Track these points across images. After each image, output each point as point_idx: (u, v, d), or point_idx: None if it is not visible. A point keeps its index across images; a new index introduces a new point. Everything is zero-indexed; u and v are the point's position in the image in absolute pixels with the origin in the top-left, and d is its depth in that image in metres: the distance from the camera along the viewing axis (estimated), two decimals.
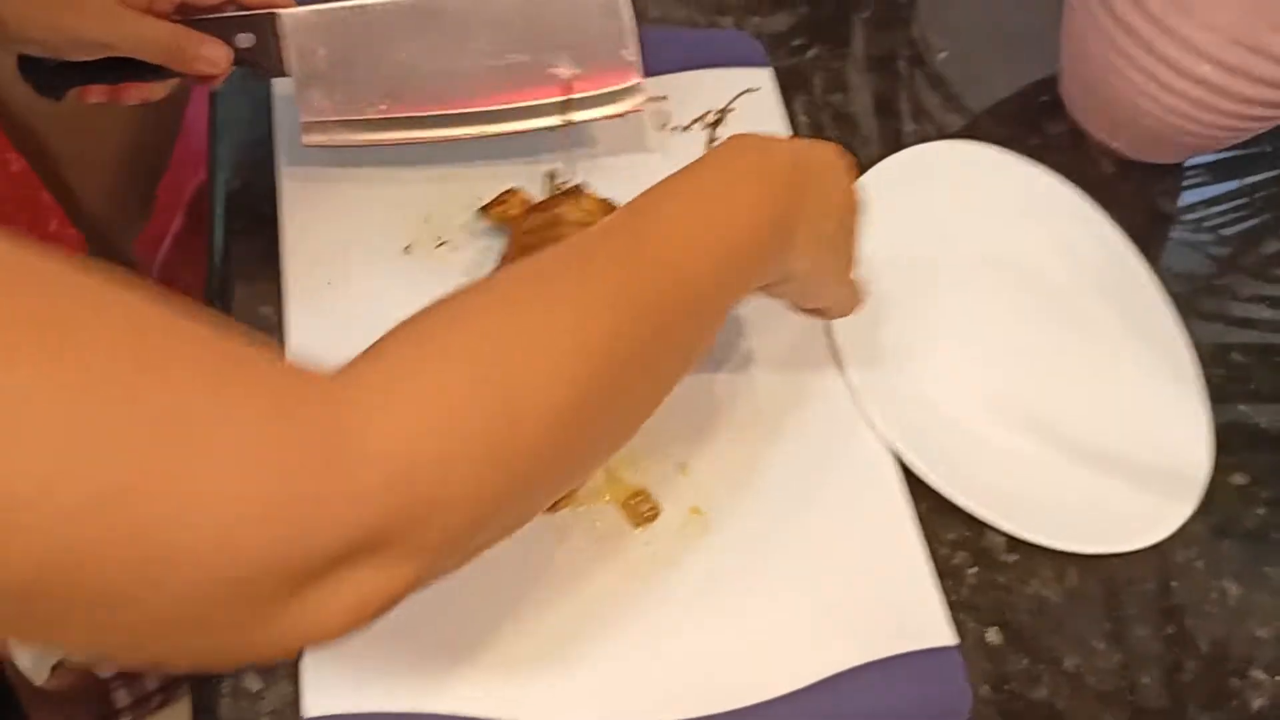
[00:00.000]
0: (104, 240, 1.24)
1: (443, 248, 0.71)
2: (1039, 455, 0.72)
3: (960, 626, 0.65)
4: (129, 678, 1.38)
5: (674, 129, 0.80)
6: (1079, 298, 0.80)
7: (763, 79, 0.84)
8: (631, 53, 0.71)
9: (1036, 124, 0.91)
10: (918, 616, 0.64)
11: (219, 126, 0.75)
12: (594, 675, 0.58)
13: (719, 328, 0.54)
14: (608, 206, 0.67)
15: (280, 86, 0.74)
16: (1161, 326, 0.79)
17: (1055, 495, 0.70)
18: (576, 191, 0.68)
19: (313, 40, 0.67)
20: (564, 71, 0.70)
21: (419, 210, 0.72)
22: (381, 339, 0.42)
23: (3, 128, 1.09)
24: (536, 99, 0.70)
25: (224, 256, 0.69)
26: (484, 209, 0.70)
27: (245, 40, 0.65)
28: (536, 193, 0.72)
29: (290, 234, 0.69)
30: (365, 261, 0.69)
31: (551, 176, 0.74)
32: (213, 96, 0.76)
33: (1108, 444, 0.74)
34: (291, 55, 0.67)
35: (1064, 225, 0.82)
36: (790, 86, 0.86)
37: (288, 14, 0.66)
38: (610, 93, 0.72)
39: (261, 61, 0.66)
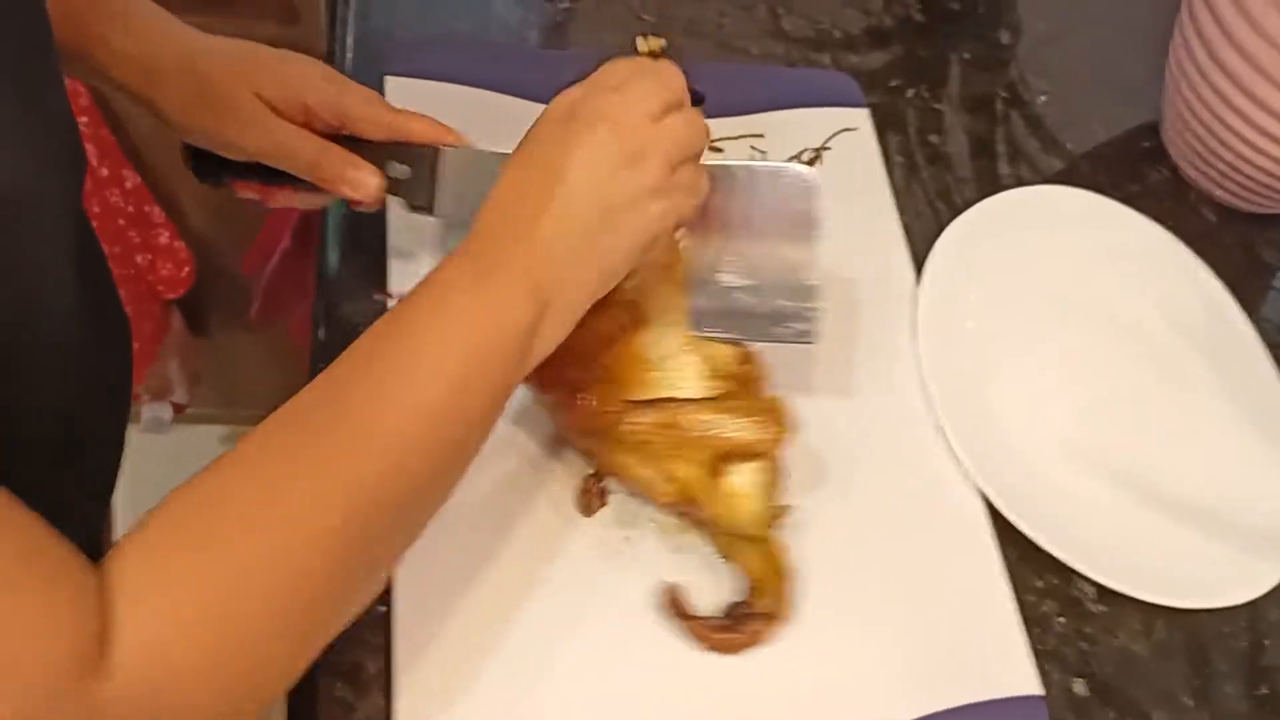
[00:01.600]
0: (209, 256, 1.29)
1: None
2: (1130, 506, 0.72)
3: (1045, 676, 0.64)
4: None
5: None
6: (1175, 348, 0.80)
7: (860, 119, 0.85)
8: (811, 289, 0.63)
9: (1136, 170, 0.90)
10: (1004, 664, 0.64)
11: None
12: (682, 702, 0.59)
13: (482, 442, 0.51)
14: None
15: (392, 92, 0.76)
16: (1260, 380, 0.78)
17: (1145, 547, 0.70)
18: None
19: (471, 186, 0.62)
20: (732, 280, 0.62)
21: None
22: (143, 531, 0.42)
23: (121, 146, 1.13)
24: None
25: (333, 279, 0.71)
26: None
27: (399, 171, 0.62)
28: None
29: (396, 260, 0.71)
30: None
31: None
32: None
33: (1201, 498, 0.73)
34: (446, 197, 0.63)
35: (1163, 274, 0.82)
36: (886, 126, 0.86)
37: (451, 153, 0.62)
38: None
39: (413, 196, 0.63)
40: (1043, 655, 0.65)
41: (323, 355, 0.68)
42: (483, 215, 0.52)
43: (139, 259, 1.18)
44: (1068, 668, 0.66)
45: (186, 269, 1.22)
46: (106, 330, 0.67)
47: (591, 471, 0.64)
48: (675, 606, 0.61)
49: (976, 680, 0.63)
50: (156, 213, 1.18)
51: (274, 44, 0.64)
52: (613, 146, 0.53)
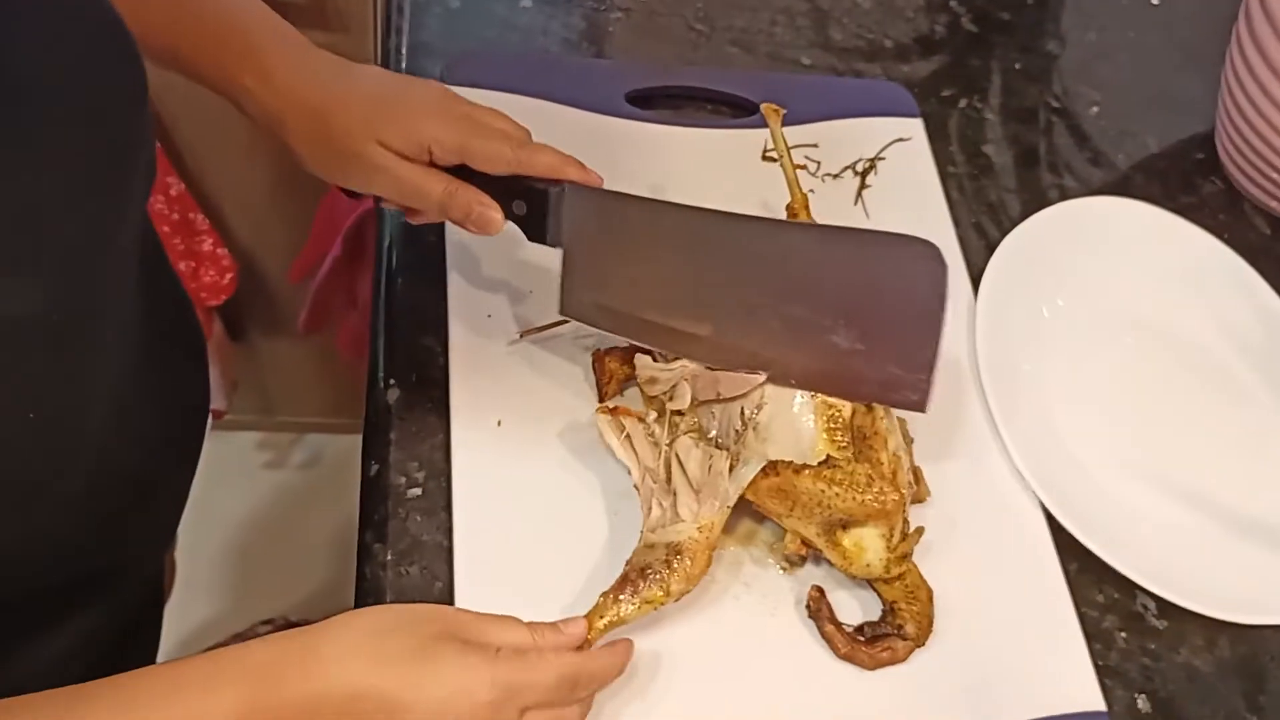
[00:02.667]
0: (251, 263, 1.30)
1: None
2: (1190, 521, 0.71)
3: (1108, 693, 0.64)
4: None
5: (825, 175, 0.81)
6: (1231, 361, 0.79)
7: (914, 129, 0.84)
8: (927, 360, 0.61)
9: (1189, 182, 0.90)
10: (1067, 680, 0.63)
11: None
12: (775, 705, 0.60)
13: None
14: None
15: None
16: None
17: (1207, 563, 0.69)
18: None
19: (584, 222, 0.62)
20: (843, 342, 0.61)
21: None
22: None
23: (167, 153, 1.14)
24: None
25: (390, 289, 0.71)
26: None
27: (519, 207, 0.62)
28: None
29: (454, 270, 0.71)
30: (522, 296, 0.71)
31: None
32: None
33: (1262, 513, 0.72)
34: (561, 231, 0.63)
35: (1218, 287, 0.81)
36: (938, 136, 0.86)
37: (570, 191, 0.62)
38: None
39: (531, 229, 0.63)
40: (1105, 671, 0.65)
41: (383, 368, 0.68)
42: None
43: (182, 265, 1.18)
44: (1130, 683, 0.65)
45: (229, 276, 1.22)
46: (182, 384, 0.68)
47: None
48: (820, 609, 0.61)
49: (1039, 695, 0.62)
50: (201, 220, 1.18)
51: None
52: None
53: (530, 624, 0.54)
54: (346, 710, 0.48)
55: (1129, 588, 0.68)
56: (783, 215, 0.71)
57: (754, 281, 0.61)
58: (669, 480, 0.61)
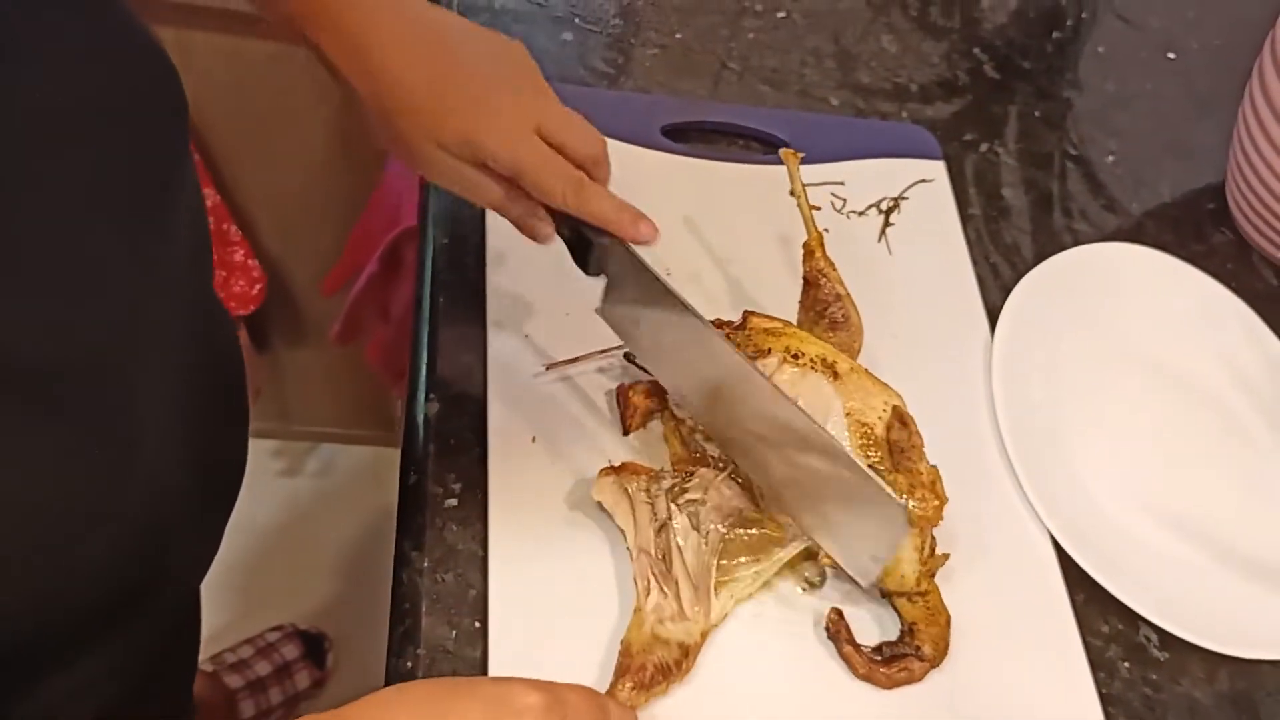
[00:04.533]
0: (278, 274, 1.33)
1: None
2: (1194, 558, 0.74)
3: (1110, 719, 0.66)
4: (254, 687, 1.45)
5: (850, 213, 0.84)
6: (1238, 406, 0.82)
7: (936, 171, 0.87)
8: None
9: (1200, 230, 0.93)
10: (1072, 705, 0.66)
11: (432, 185, 0.80)
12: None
13: None
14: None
15: None
16: None
17: (1209, 598, 0.72)
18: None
19: (627, 284, 0.64)
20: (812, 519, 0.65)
21: None
22: None
23: (204, 165, 1.17)
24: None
25: (433, 306, 0.74)
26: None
27: (565, 231, 0.64)
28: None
29: (494, 289, 0.74)
30: (560, 317, 0.73)
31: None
32: None
33: (1263, 554, 0.75)
34: (604, 273, 0.65)
35: (1228, 336, 0.84)
36: (958, 177, 0.89)
37: (616, 249, 0.63)
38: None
39: (576, 256, 0.65)
40: (1108, 699, 0.67)
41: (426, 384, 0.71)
42: (368, 714, 0.50)
43: (215, 275, 1.22)
44: (1132, 712, 0.68)
45: (258, 286, 1.25)
46: (232, 408, 0.70)
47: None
48: (838, 631, 0.63)
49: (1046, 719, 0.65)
50: (233, 230, 1.21)
51: None
52: None
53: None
54: None
55: (1133, 620, 0.70)
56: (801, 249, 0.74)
57: (747, 431, 0.64)
58: (669, 566, 0.63)
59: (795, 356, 0.65)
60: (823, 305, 0.71)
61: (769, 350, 0.66)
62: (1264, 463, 0.80)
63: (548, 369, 0.71)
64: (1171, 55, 1.04)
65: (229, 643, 1.50)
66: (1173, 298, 0.85)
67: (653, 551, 0.63)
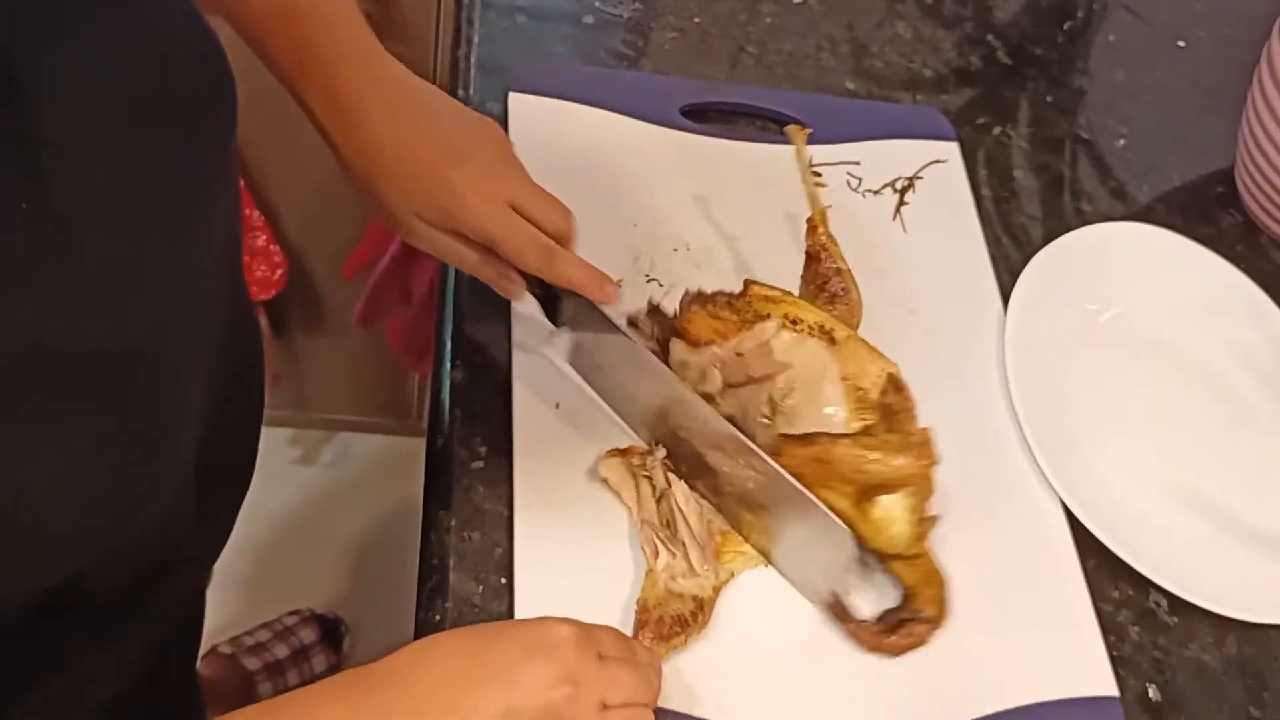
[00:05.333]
0: (299, 260, 1.35)
1: (651, 283, 0.77)
2: (1202, 527, 0.75)
3: (1121, 681, 0.68)
4: (271, 670, 1.46)
5: (865, 192, 0.85)
6: (1245, 386, 0.84)
7: (950, 151, 0.89)
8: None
9: (1209, 214, 0.94)
10: (1084, 666, 0.67)
11: None
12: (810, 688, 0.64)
13: None
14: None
15: (515, 106, 0.83)
16: None
17: (1216, 565, 0.73)
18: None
19: (593, 344, 0.68)
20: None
21: (630, 250, 0.78)
22: None
23: None
24: None
25: (459, 275, 0.76)
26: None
27: (537, 290, 0.68)
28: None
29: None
30: None
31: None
32: None
33: (1268, 524, 0.77)
34: (573, 328, 0.68)
35: (1236, 316, 0.85)
36: (971, 160, 0.91)
37: (585, 309, 0.66)
38: None
39: (547, 310, 0.69)
40: (1118, 661, 0.69)
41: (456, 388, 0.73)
42: (405, 662, 0.52)
43: None
44: (1142, 674, 0.69)
45: (280, 272, 1.27)
46: (250, 398, 0.71)
47: None
48: (839, 613, 0.65)
49: (1058, 680, 0.66)
50: (256, 216, 1.24)
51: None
52: (554, 670, 0.53)
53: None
54: None
55: (1143, 585, 0.72)
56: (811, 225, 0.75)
57: (705, 466, 0.67)
58: (674, 530, 0.65)
59: (794, 322, 0.67)
60: (823, 279, 0.73)
61: (768, 316, 0.67)
62: (1269, 437, 0.81)
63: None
64: (1181, 44, 1.06)
65: (247, 625, 1.52)
66: (1182, 276, 0.86)
67: (656, 520, 0.65)
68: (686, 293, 0.70)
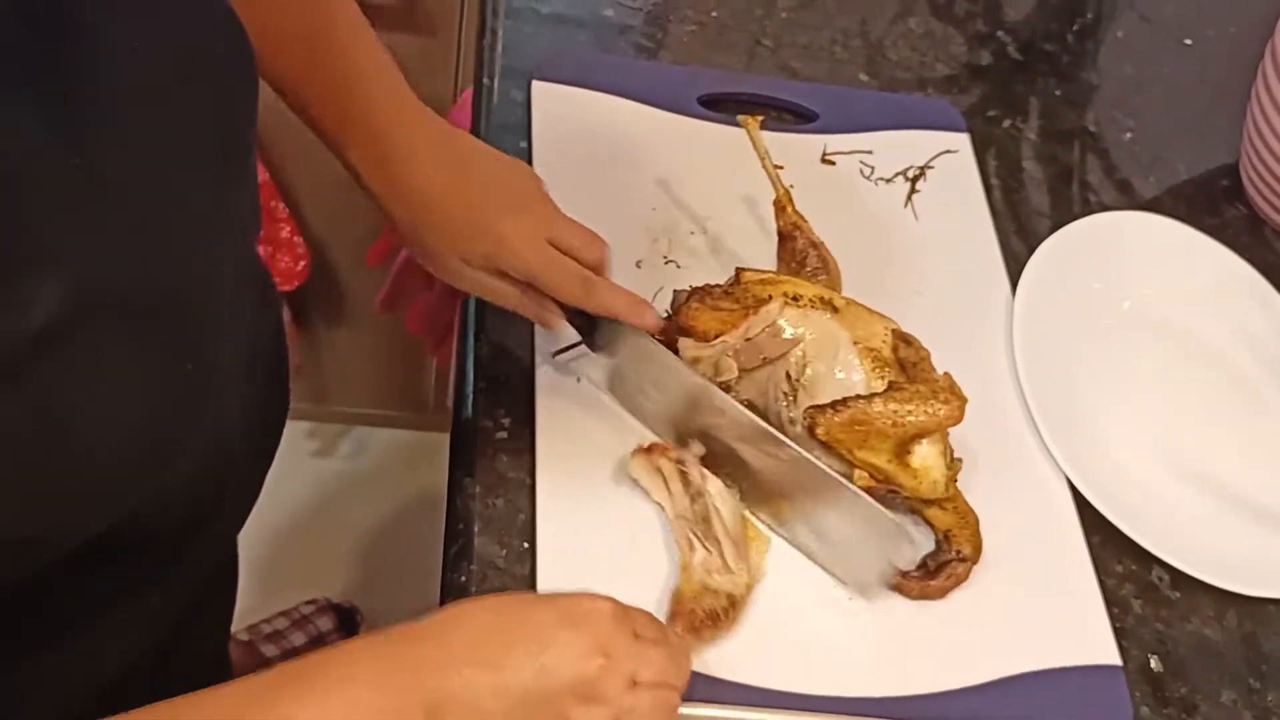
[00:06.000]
0: (322, 252, 1.37)
1: (669, 265, 0.79)
2: (1204, 505, 0.77)
3: (1124, 652, 0.70)
4: (289, 657, 1.48)
5: (878, 180, 0.88)
6: (1249, 369, 0.86)
7: (960, 142, 0.92)
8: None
9: (1214, 206, 0.96)
10: (1088, 636, 0.69)
11: None
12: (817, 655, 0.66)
13: None
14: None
15: (538, 94, 0.85)
16: None
17: (1220, 541, 0.75)
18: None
19: (622, 357, 0.71)
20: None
21: (649, 233, 0.81)
22: None
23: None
24: None
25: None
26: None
27: (577, 320, 0.70)
28: None
29: None
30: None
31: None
32: (473, 128, 0.86)
33: (1269, 503, 0.78)
34: (601, 342, 0.70)
35: (1241, 304, 0.87)
36: (983, 151, 0.93)
37: (612, 328, 0.69)
38: None
39: (586, 338, 0.70)
40: (1121, 633, 0.71)
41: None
42: (441, 621, 0.54)
43: (261, 251, 1.26)
44: (1144, 645, 0.71)
45: (303, 263, 1.30)
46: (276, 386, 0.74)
47: None
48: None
49: (1063, 649, 0.68)
50: (280, 208, 1.26)
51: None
52: (589, 641, 0.54)
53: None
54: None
55: (1146, 561, 0.74)
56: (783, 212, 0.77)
57: (749, 475, 0.69)
58: (709, 525, 0.67)
59: (795, 299, 0.69)
60: (802, 256, 0.75)
61: (769, 297, 0.70)
62: (1272, 417, 0.83)
63: (555, 356, 0.72)
64: (1188, 41, 1.08)
65: (265, 613, 1.54)
66: (1188, 264, 0.88)
67: (690, 516, 0.67)
68: (678, 293, 0.73)
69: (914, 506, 0.68)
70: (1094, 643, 0.69)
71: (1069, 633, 0.69)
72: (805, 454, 0.66)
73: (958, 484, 0.69)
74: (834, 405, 0.66)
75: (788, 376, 0.69)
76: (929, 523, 0.68)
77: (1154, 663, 0.71)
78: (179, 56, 0.50)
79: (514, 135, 0.84)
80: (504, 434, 0.71)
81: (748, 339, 0.70)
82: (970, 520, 0.68)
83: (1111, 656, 0.69)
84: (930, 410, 0.65)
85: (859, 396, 0.66)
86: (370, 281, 1.31)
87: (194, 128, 0.50)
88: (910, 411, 0.65)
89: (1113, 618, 0.71)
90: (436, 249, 0.69)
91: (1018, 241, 0.88)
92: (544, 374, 0.72)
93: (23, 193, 0.41)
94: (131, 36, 0.47)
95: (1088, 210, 0.92)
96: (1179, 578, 0.73)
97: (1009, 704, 0.66)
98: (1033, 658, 0.68)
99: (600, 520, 0.67)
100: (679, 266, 0.80)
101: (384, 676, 0.50)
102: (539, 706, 0.52)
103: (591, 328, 0.70)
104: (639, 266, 0.79)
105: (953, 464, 0.67)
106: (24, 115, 0.41)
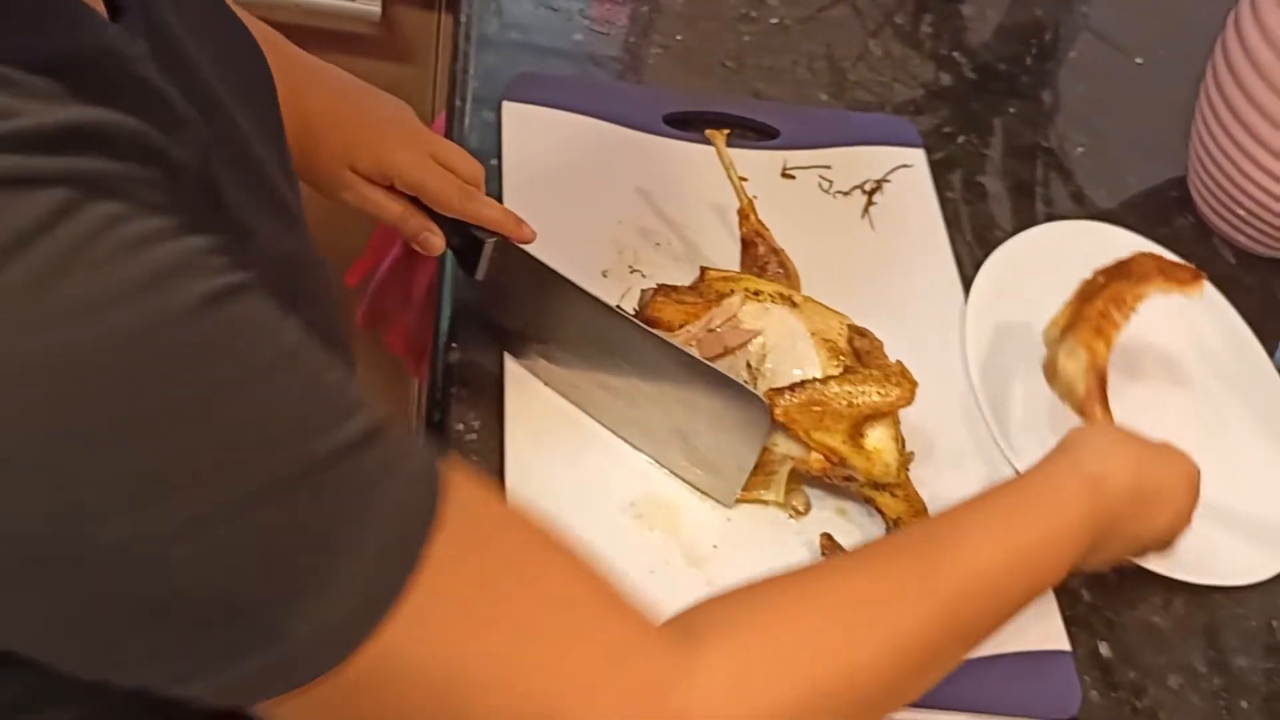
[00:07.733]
0: None
1: (635, 274, 0.83)
2: None
3: (1073, 638, 0.73)
4: None
5: (836, 193, 0.91)
6: (1199, 372, 0.89)
7: (916, 158, 0.95)
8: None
9: (1164, 216, 1.00)
10: (1037, 622, 0.72)
11: None
12: None
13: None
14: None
15: (508, 114, 0.89)
16: (1270, 399, 0.87)
17: None
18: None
19: (503, 272, 0.74)
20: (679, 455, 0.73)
21: (615, 244, 0.84)
22: (721, 616, 0.48)
23: None
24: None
25: (453, 286, 0.81)
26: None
27: (455, 240, 0.75)
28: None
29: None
30: (570, 274, 0.80)
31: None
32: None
33: (1221, 498, 0.81)
34: (483, 270, 0.75)
35: (1192, 310, 0.90)
36: (940, 167, 0.96)
37: (501, 244, 0.73)
38: None
39: (462, 262, 0.76)
40: (1071, 620, 0.73)
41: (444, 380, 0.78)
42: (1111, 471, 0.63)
43: None
44: (1094, 632, 0.74)
45: None
46: None
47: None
48: (832, 551, 0.70)
49: (1012, 634, 0.70)
50: None
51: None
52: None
53: None
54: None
55: None
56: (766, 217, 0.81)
57: (627, 382, 0.72)
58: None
59: (756, 294, 0.73)
60: (764, 262, 0.79)
61: (731, 292, 0.73)
62: (1220, 420, 0.86)
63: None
64: (1139, 60, 1.12)
65: None
66: None
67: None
68: (644, 292, 0.77)
69: (866, 495, 0.71)
70: (1044, 629, 0.72)
71: (1019, 619, 0.72)
72: (665, 337, 0.70)
73: (909, 475, 0.71)
74: (791, 387, 0.69)
75: (748, 366, 0.72)
76: (880, 510, 0.71)
77: (1103, 648, 0.73)
78: (247, 77, 0.58)
79: (485, 155, 0.87)
80: (474, 436, 0.73)
81: (710, 329, 0.73)
82: (919, 508, 0.70)
83: (1061, 642, 0.72)
84: (883, 391, 0.68)
85: (815, 379, 0.69)
86: (352, 297, 1.33)
87: (268, 131, 0.57)
88: (864, 393, 0.68)
89: (1063, 606, 0.74)
90: (328, 162, 0.74)
91: (974, 252, 0.92)
92: (512, 379, 0.75)
93: None
94: (218, 58, 0.53)
95: (1043, 221, 0.95)
96: (1126, 568, 0.76)
97: (960, 688, 0.68)
98: (983, 643, 0.70)
99: (567, 518, 0.70)
100: (644, 275, 0.83)
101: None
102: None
103: (474, 248, 0.74)
104: (605, 276, 0.82)
105: (905, 454, 0.70)
106: None
